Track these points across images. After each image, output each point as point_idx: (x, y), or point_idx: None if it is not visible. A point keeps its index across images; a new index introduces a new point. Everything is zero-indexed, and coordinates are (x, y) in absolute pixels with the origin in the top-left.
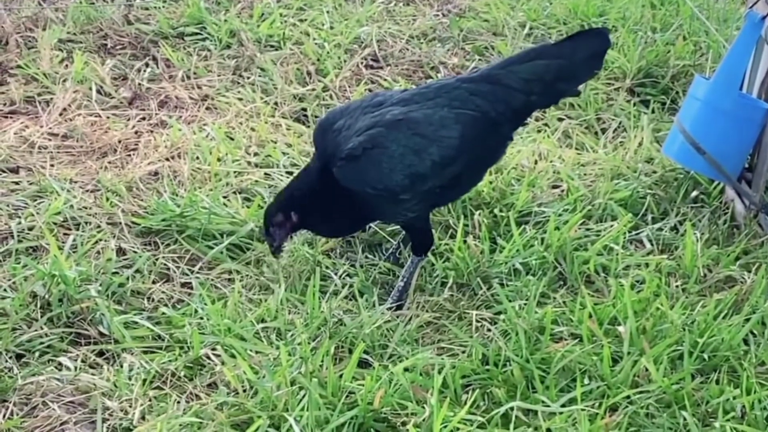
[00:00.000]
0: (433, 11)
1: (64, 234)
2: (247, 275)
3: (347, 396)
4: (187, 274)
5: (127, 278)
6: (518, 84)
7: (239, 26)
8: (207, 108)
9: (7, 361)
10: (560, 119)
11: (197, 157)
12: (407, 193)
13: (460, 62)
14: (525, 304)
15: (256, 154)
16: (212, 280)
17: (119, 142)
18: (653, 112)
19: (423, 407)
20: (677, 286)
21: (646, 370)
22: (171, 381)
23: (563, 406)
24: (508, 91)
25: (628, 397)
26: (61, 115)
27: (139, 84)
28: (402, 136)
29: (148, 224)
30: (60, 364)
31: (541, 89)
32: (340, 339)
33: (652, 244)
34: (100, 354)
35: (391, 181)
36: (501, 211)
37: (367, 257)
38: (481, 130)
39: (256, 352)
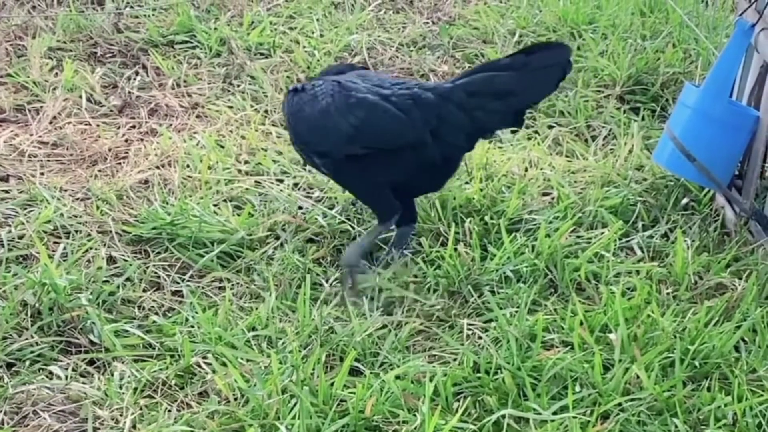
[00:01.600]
0: (423, 19)
1: (55, 242)
2: (238, 283)
3: (338, 404)
4: (178, 283)
5: (118, 287)
6: (460, 98)
7: (229, 34)
8: (197, 116)
9: None
10: (550, 127)
11: (188, 166)
12: (310, 145)
13: (450, 70)
14: (516, 312)
15: (246, 162)
16: (203, 288)
17: (109, 150)
18: (643, 119)
19: (414, 415)
20: (668, 294)
21: (638, 377)
22: (162, 389)
23: (555, 413)
24: (446, 105)
25: (619, 404)
26: (51, 123)
27: (129, 92)
28: (324, 93)
29: (138, 233)
30: (51, 373)
31: (486, 104)
32: (331, 347)
33: (642, 252)
34: (91, 363)
35: (298, 124)
36: (492, 218)
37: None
38: (395, 131)
39: (247, 361)
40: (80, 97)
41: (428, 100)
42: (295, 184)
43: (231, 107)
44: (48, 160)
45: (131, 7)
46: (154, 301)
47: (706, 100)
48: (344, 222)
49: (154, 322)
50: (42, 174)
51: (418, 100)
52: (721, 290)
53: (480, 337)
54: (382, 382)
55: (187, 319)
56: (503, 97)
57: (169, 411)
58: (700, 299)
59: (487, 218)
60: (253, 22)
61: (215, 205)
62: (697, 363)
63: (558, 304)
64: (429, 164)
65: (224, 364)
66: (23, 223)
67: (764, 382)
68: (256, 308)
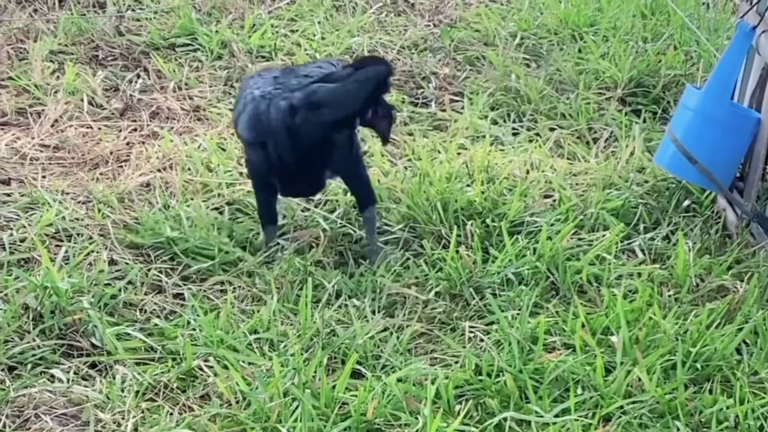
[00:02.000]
0: (424, 22)
1: (56, 245)
2: (240, 286)
3: (340, 407)
4: (180, 286)
5: (120, 290)
6: (285, 104)
7: (230, 37)
8: (198, 119)
9: None
10: (552, 129)
11: (189, 169)
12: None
13: (451, 72)
14: (518, 314)
15: None
16: (204, 291)
17: (111, 153)
18: (644, 121)
19: (416, 418)
20: (670, 296)
21: (639, 379)
22: (164, 393)
23: (557, 416)
24: (284, 112)
25: (621, 407)
26: (52, 126)
27: (131, 95)
28: (248, 85)
29: (139, 240)
30: (52, 376)
31: (308, 115)
32: (333, 350)
33: (644, 254)
34: (93, 366)
35: None
36: (493, 221)
37: (360, 263)
38: (251, 128)
39: (249, 364)
40: (82, 100)
41: (276, 105)
42: None
43: (232, 110)
44: (49, 164)
45: (132, 10)
46: (155, 304)
47: (707, 102)
48: (345, 225)
49: (156, 325)
50: (43, 177)
51: (271, 103)
52: (723, 292)
53: (482, 340)
54: (383, 384)
55: (188, 322)
56: (318, 109)
57: (171, 414)
58: (702, 302)
59: (488, 221)
60: (254, 25)
61: (216, 209)
62: (698, 365)
63: (559, 306)
64: (277, 168)
65: (226, 367)
66: (25, 227)
67: (766, 384)
68: (258, 311)
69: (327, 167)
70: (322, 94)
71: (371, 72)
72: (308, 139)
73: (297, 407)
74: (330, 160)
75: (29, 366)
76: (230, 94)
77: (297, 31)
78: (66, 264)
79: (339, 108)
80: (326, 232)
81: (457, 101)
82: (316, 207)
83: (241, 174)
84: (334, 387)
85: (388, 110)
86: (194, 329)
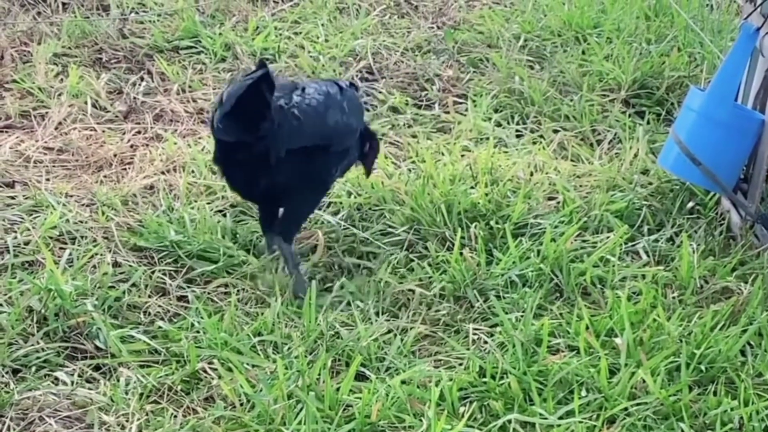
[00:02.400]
0: (428, 24)
1: (60, 248)
2: (244, 289)
3: (344, 409)
4: (183, 288)
5: (123, 292)
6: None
7: (234, 39)
8: (202, 121)
9: (3, 376)
10: (555, 131)
11: (193, 171)
12: None
13: (455, 74)
14: (522, 316)
15: None
16: (208, 293)
17: (115, 156)
18: (648, 123)
19: (420, 420)
20: (674, 298)
21: (644, 381)
22: (168, 395)
23: (561, 418)
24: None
25: (625, 408)
26: (56, 129)
27: (135, 98)
28: None
29: (143, 244)
30: (56, 378)
31: (216, 111)
32: (337, 352)
33: (648, 256)
34: (97, 368)
35: None
36: (497, 223)
37: (362, 265)
38: None
39: (253, 366)
40: (85, 102)
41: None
42: None
43: None
44: (53, 166)
45: (136, 12)
46: (159, 306)
47: (711, 103)
48: (348, 228)
49: (160, 327)
50: (47, 180)
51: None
52: (727, 294)
53: (486, 342)
54: (387, 387)
55: (192, 325)
56: (218, 108)
57: (175, 416)
58: (706, 303)
59: (492, 223)
60: (257, 28)
61: (220, 211)
62: (703, 367)
63: (564, 308)
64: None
65: (230, 370)
66: (29, 229)
67: None
68: (262, 313)
69: (269, 181)
70: (223, 95)
71: (250, 76)
72: (216, 138)
73: (301, 410)
74: (270, 177)
75: (33, 368)
76: None
77: (300, 33)
78: (70, 267)
79: (224, 106)
80: (330, 234)
81: (461, 103)
82: (319, 209)
83: None
84: (338, 389)
85: (376, 141)
86: (198, 332)
